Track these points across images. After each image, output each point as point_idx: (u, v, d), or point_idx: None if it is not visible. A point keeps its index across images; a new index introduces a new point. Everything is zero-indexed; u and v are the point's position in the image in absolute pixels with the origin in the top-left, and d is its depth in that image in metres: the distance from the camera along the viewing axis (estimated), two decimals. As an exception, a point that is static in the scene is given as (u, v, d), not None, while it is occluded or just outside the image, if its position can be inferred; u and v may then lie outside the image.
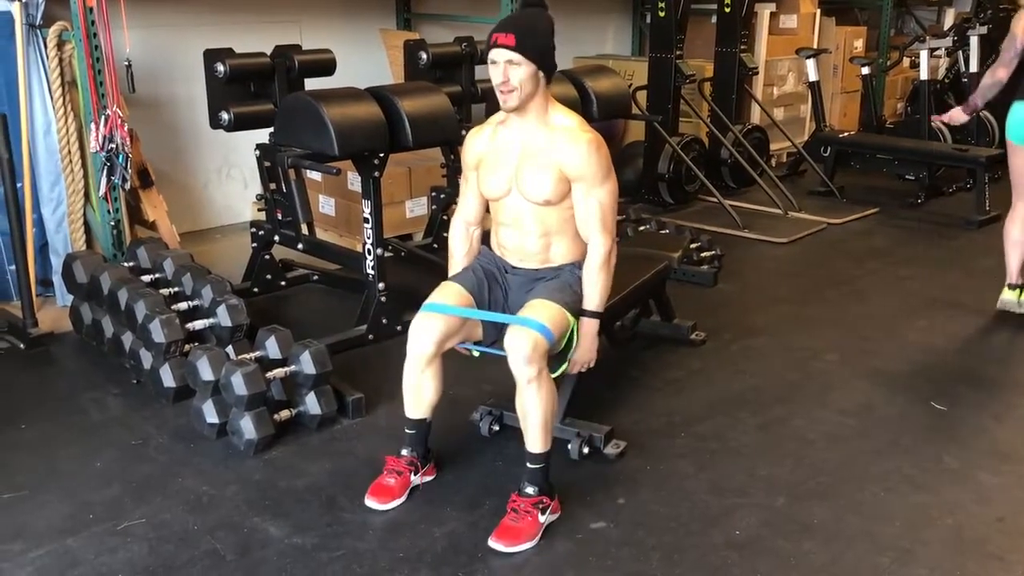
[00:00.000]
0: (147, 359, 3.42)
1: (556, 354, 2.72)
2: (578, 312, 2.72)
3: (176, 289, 3.70)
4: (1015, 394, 3.56)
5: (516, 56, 2.56)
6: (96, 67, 3.86)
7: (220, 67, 3.88)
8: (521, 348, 2.49)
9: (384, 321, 3.89)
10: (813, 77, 6.70)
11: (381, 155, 3.67)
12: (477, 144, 2.82)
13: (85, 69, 3.86)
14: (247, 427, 2.98)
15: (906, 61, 8.45)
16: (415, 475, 2.81)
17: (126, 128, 3.94)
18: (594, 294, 2.72)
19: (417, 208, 5.25)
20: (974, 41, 6.69)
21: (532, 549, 2.53)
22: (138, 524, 2.63)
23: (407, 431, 2.83)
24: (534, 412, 2.56)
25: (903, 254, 5.24)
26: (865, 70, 7.08)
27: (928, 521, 2.70)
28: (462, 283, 2.84)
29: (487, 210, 2.92)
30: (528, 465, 2.62)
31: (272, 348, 3.20)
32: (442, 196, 5.04)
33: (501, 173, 2.73)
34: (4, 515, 2.67)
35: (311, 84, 4.15)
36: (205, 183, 5.56)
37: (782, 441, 3.14)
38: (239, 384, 2.95)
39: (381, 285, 3.86)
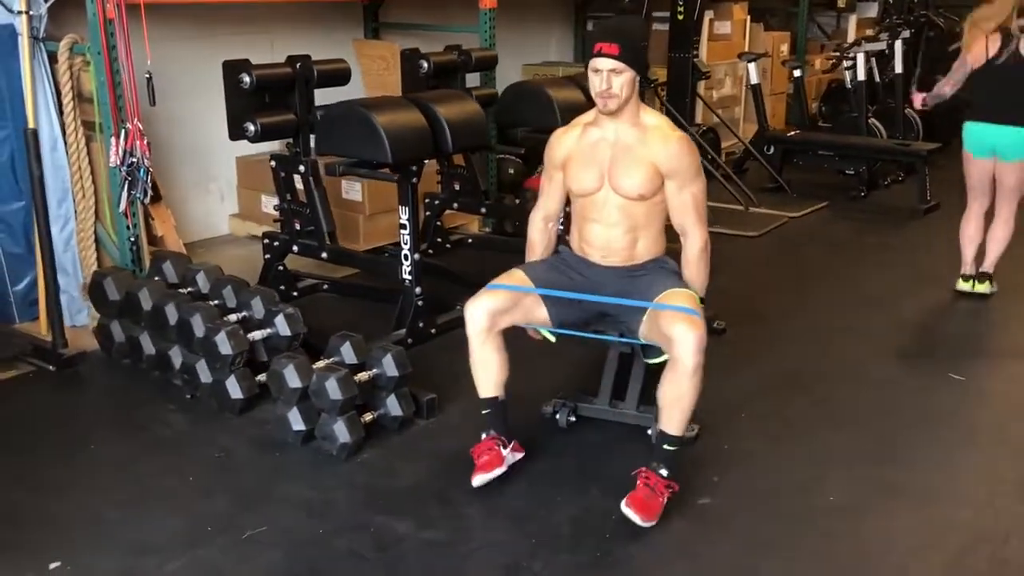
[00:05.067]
0: (204, 373, 3.39)
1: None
2: None
3: (217, 302, 3.66)
4: (1017, 360, 3.93)
5: (619, 65, 2.71)
6: (115, 80, 3.79)
7: (246, 78, 3.86)
8: (696, 337, 2.61)
9: (421, 325, 3.95)
10: (755, 80, 7.07)
11: (424, 161, 3.74)
12: (565, 143, 2.95)
13: (104, 82, 3.78)
14: (341, 431, 3.01)
15: (818, 63, 9.01)
16: (504, 449, 2.90)
17: (145, 141, 3.88)
18: (697, 281, 2.90)
19: (409, 215, 5.28)
20: (898, 45, 7.20)
21: (653, 527, 2.67)
22: (262, 532, 2.64)
23: (482, 412, 2.94)
24: (689, 397, 2.68)
25: (868, 241, 5.63)
26: (797, 72, 7.51)
27: (993, 475, 2.99)
28: (525, 270, 2.99)
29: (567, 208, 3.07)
30: (665, 447, 2.74)
31: (347, 354, 3.23)
32: (436, 203, 5.11)
33: (593, 170, 2.87)
34: (120, 532, 2.63)
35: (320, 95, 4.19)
36: (183, 197, 5.44)
37: (837, 415, 3.39)
38: (334, 389, 2.98)
39: (418, 290, 3.92)
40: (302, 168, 4.10)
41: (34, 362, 3.75)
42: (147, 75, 3.83)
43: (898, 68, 7.22)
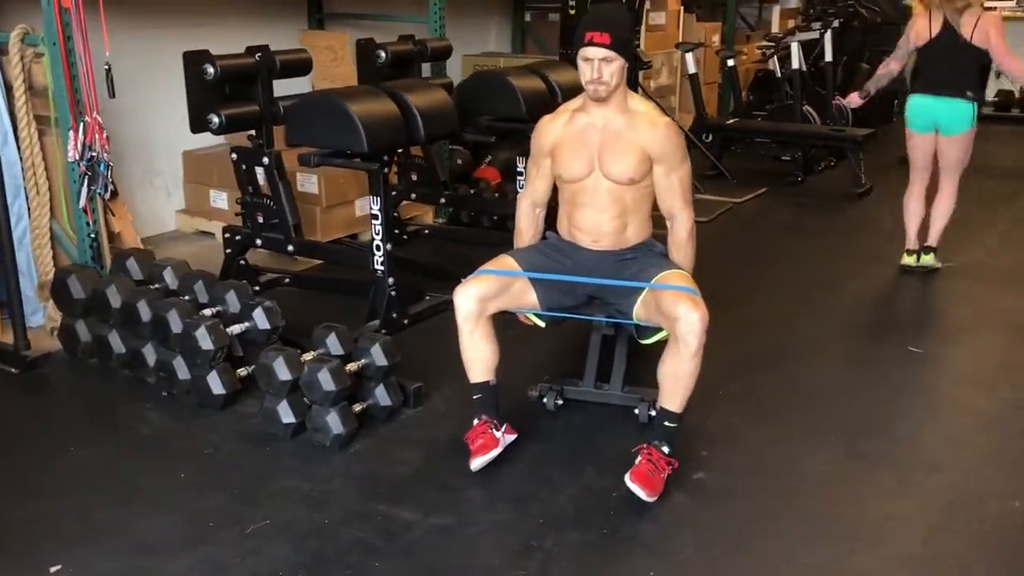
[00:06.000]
0: (182, 369, 3.32)
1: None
2: None
3: (187, 297, 3.59)
4: (967, 331, 4.15)
5: (610, 54, 2.75)
6: (72, 72, 3.67)
7: (210, 69, 3.78)
8: (700, 316, 2.68)
9: (394, 315, 3.94)
10: (692, 69, 7.22)
11: (398, 151, 3.73)
12: (552, 130, 2.98)
13: (61, 75, 3.66)
14: (334, 423, 2.99)
15: (747, 52, 9.21)
16: (497, 431, 2.93)
17: (105, 135, 3.78)
18: (686, 263, 2.97)
19: (365, 207, 5.25)
20: (828, 35, 7.42)
21: (654, 503, 2.73)
22: (265, 526, 2.61)
23: (474, 397, 2.96)
24: (691, 375, 2.75)
25: (810, 225, 5.83)
26: (731, 62, 7.69)
27: (958, 442, 3.16)
28: (514, 256, 3.02)
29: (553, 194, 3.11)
30: (666, 424, 2.81)
31: (333, 345, 3.20)
32: (394, 193, 5.09)
33: (582, 156, 2.91)
34: (118, 532, 2.57)
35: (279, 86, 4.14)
36: (128, 193, 5.28)
37: (807, 390, 3.51)
38: (327, 380, 2.95)
39: (391, 280, 3.91)
40: (266, 160, 4.05)
41: (-6, 366, 3.62)
42: (106, 66, 3.73)
43: (828, 57, 7.45)
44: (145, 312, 3.40)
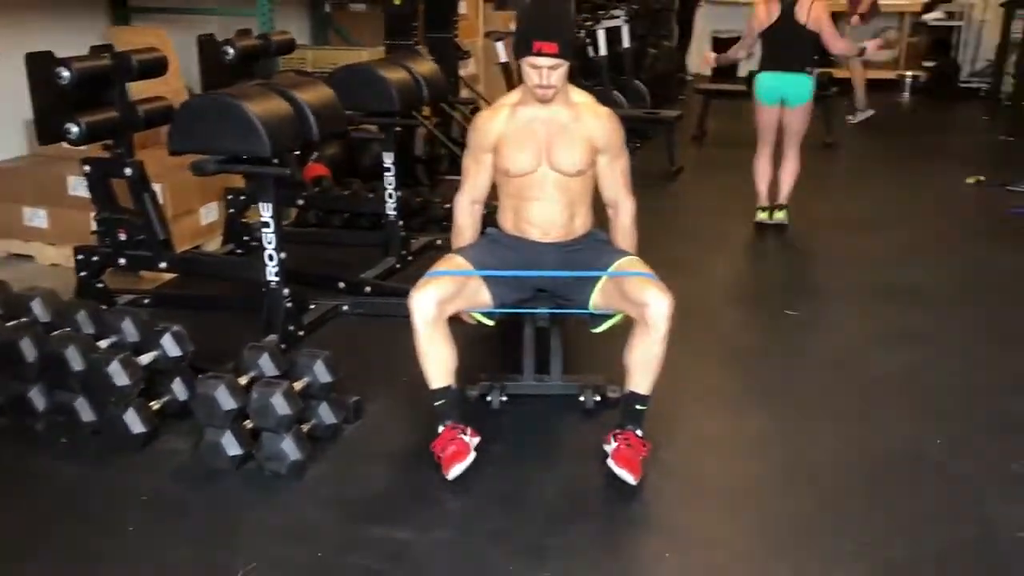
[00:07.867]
0: (86, 411, 2.97)
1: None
2: None
3: (68, 330, 3.19)
4: (822, 295, 4.54)
5: (559, 61, 2.76)
6: None
7: (65, 72, 3.37)
8: (667, 302, 2.71)
9: (291, 328, 3.71)
10: (504, 57, 7.28)
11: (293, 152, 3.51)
12: (495, 125, 2.93)
13: None
14: (290, 449, 2.78)
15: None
16: (465, 436, 2.85)
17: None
18: (631, 249, 3.05)
19: (209, 215, 4.90)
20: (625, 29, 7.78)
21: (639, 485, 2.75)
22: (256, 569, 2.39)
23: (436, 403, 2.88)
24: (660, 359, 2.77)
25: (645, 202, 6.04)
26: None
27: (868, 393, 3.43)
28: (463, 254, 2.97)
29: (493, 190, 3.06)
30: (637, 407, 2.83)
31: (267, 365, 2.98)
32: (242, 198, 4.78)
33: (529, 149, 2.89)
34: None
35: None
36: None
37: (712, 357, 3.70)
38: (281, 405, 2.74)
39: (286, 291, 3.67)
40: (128, 171, 3.67)
41: None
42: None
43: (626, 42, 7.80)
44: (30, 351, 2.99)
